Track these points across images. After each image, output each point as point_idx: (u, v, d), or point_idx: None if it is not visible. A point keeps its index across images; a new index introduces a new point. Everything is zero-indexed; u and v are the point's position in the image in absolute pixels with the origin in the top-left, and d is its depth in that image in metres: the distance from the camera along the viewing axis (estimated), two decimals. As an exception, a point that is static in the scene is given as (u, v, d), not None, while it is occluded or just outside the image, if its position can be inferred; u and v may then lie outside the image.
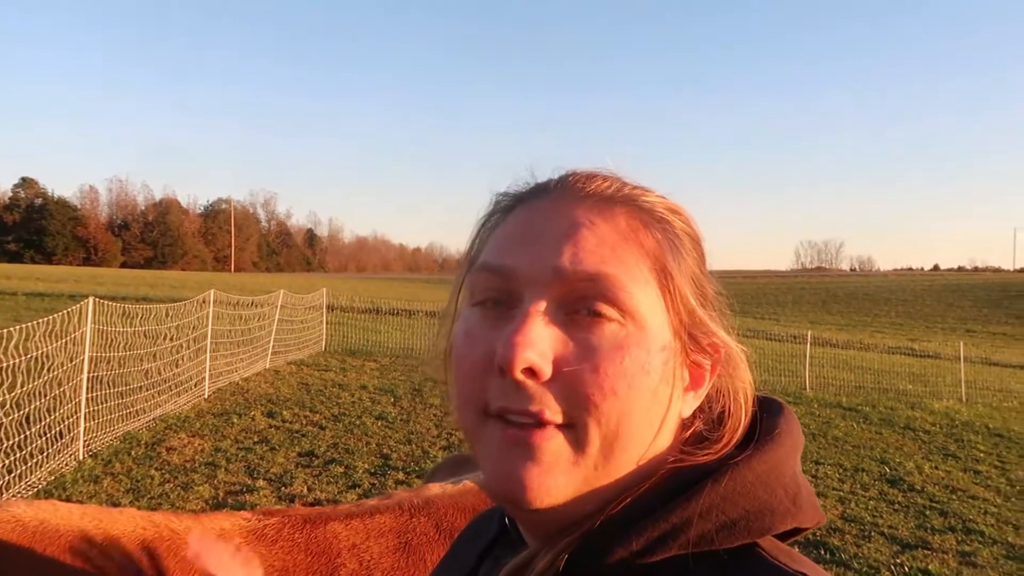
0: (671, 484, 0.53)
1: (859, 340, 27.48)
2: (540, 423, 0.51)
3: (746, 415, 0.59)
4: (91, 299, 6.04)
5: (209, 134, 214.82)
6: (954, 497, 6.58)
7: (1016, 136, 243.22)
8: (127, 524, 1.14)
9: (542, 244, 0.54)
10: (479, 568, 0.68)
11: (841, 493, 6.46)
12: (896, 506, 6.19)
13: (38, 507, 1.06)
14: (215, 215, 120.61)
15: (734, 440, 0.58)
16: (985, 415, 11.50)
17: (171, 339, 8.10)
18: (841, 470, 7.29)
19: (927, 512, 6.05)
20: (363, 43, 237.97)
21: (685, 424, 0.59)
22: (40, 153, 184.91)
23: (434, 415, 8.40)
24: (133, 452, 6.12)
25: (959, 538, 5.46)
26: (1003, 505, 6.44)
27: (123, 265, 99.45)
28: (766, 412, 0.60)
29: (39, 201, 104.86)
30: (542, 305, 0.53)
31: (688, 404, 0.58)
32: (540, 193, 0.59)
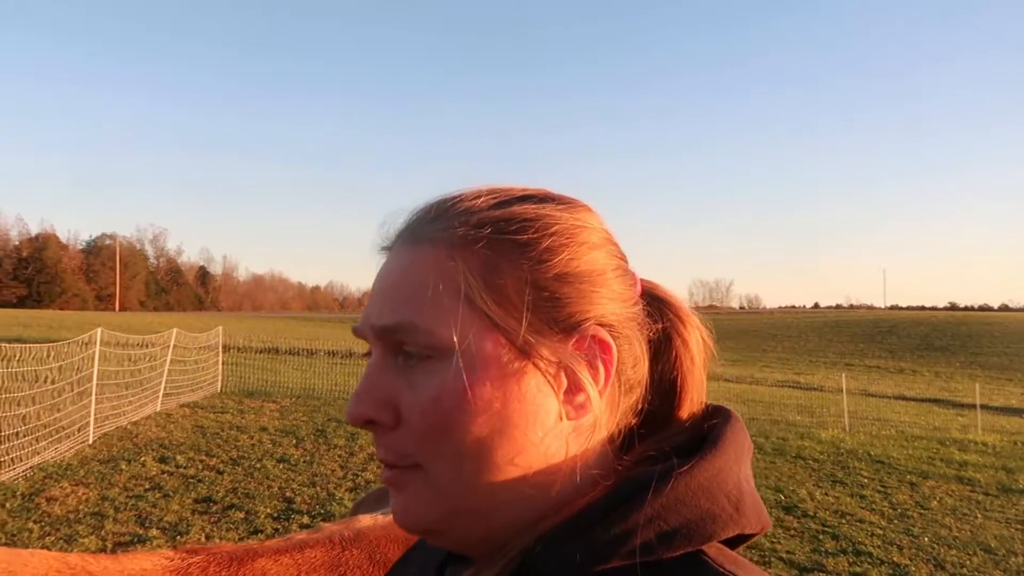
0: (614, 496, 0.52)
1: (750, 374, 28.74)
2: (397, 466, 0.56)
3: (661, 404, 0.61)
4: (-37, 338, 5.58)
5: (93, 167, 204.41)
6: (844, 521, 6.92)
7: (883, 184, 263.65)
8: (39, 566, 1.05)
9: (369, 304, 0.58)
10: None
11: (741, 521, 6.67)
12: (792, 532, 6.45)
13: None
14: (98, 251, 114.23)
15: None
16: (867, 443, 12.19)
17: (52, 381, 7.56)
18: (740, 499, 7.54)
19: (820, 536, 6.34)
20: (252, 79, 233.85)
21: (619, 426, 0.59)
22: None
23: (339, 456, 8.16)
24: (8, 504, 5.64)
25: (850, 560, 5.74)
26: (887, 527, 6.82)
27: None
28: (715, 419, 0.60)
29: None
30: (379, 358, 0.57)
31: (580, 404, 0.55)
32: (391, 245, 0.60)
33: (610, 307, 0.57)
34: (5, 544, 4.80)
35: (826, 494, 8.07)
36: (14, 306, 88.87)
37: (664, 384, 0.62)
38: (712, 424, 0.59)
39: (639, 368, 0.59)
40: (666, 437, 0.59)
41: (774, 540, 6.10)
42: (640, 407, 0.60)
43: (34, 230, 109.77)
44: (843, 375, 18.49)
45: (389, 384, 0.55)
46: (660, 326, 0.62)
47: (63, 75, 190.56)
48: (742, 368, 33.09)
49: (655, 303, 0.63)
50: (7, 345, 7.03)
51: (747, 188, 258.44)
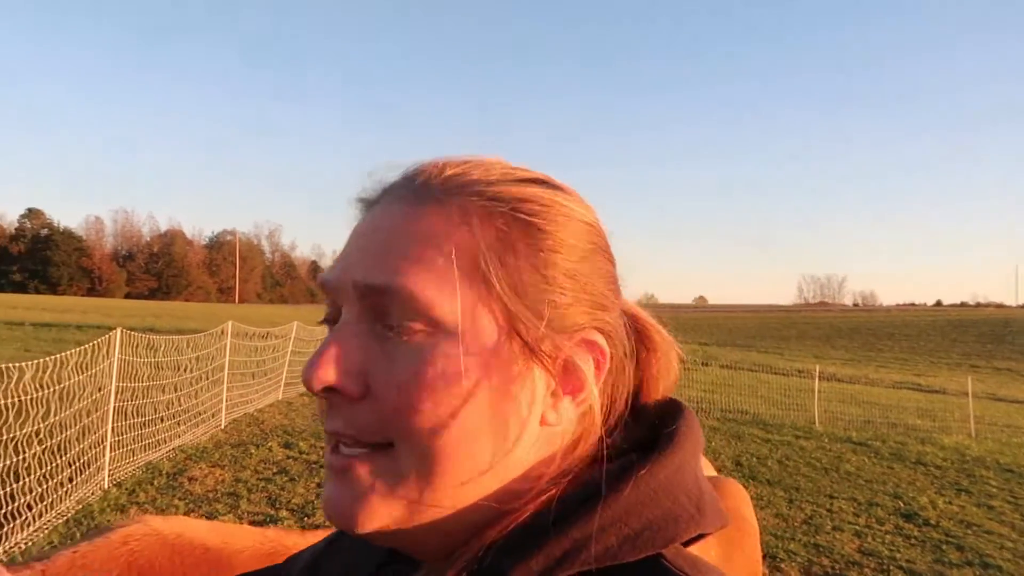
0: (571, 499, 0.49)
1: (864, 375, 27.49)
2: (355, 444, 0.50)
3: (622, 416, 0.56)
4: (119, 330, 6.15)
5: (216, 167, 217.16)
6: (969, 532, 6.60)
7: (1015, 176, 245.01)
8: (247, 539, 1.23)
9: (350, 256, 0.52)
10: None
11: (857, 527, 6.49)
12: (912, 540, 6.21)
13: (173, 521, 1.16)
14: (220, 246, 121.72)
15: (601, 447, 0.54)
16: (995, 450, 11.50)
17: (190, 370, 8.20)
18: (856, 504, 7.32)
19: (943, 547, 6.07)
20: (365, 73, 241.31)
21: (583, 433, 0.54)
22: (46, 184, 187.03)
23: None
24: (156, 482, 6.19)
25: (977, 573, 5.48)
26: (1019, 540, 6.45)
27: (127, 295, 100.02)
28: (666, 414, 0.57)
29: (45, 232, 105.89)
30: (352, 320, 0.50)
31: (564, 410, 0.52)
32: (379, 197, 0.55)
33: (606, 314, 0.54)
34: (156, 518, 5.29)
35: (949, 503, 7.70)
36: (146, 297, 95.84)
37: (632, 396, 0.58)
38: (664, 418, 0.56)
39: (618, 379, 0.56)
40: (620, 434, 0.55)
41: (893, 548, 5.91)
42: (606, 417, 0.55)
43: (163, 227, 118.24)
44: (968, 377, 17.42)
45: (362, 351, 0.49)
46: (631, 342, 0.57)
47: (188, 76, 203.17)
48: (855, 368, 31.71)
49: (625, 317, 0.59)
50: (154, 337, 7.67)
51: (861, 178, 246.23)
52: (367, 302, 0.50)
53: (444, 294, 0.48)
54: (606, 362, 0.53)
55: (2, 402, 4.43)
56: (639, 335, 0.58)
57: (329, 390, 0.49)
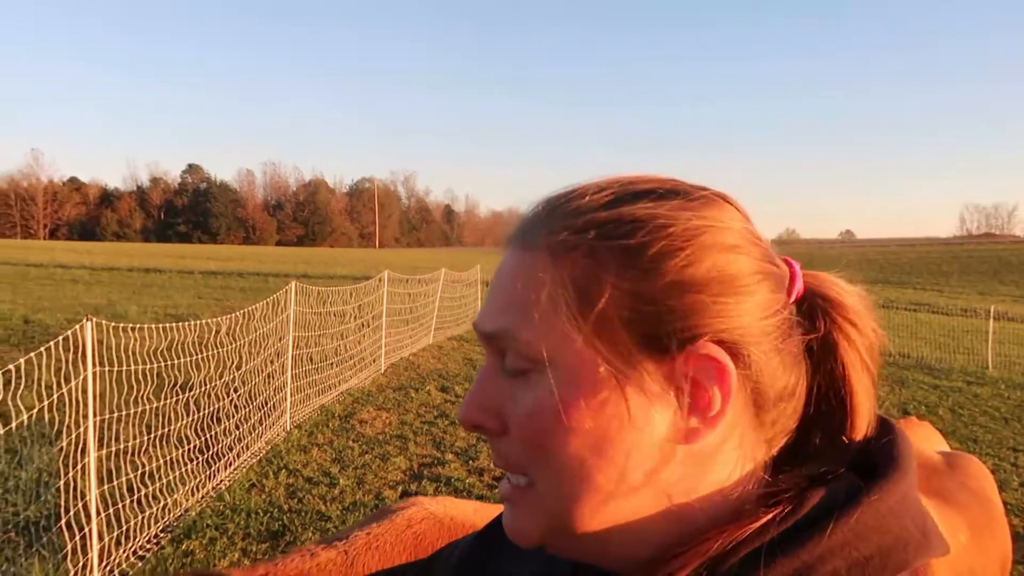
0: (800, 519, 0.49)
1: (1041, 313, 25.04)
2: (509, 474, 0.56)
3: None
4: (294, 283, 6.56)
5: (353, 117, 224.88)
6: None
7: None
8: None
9: (484, 305, 0.57)
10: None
11: (1049, 485, 6.01)
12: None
13: (443, 502, 1.22)
14: (359, 194, 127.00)
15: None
16: None
17: (354, 318, 8.66)
18: (1045, 459, 6.77)
19: None
20: (492, 24, 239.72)
21: (772, 445, 0.54)
22: (203, 140, 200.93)
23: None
24: (330, 424, 6.63)
25: None
26: None
27: (278, 243, 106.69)
28: (882, 433, 0.55)
29: (204, 185, 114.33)
30: (489, 362, 0.56)
31: (692, 430, 0.51)
32: (507, 241, 0.58)
33: (735, 320, 0.50)
34: (336, 459, 5.67)
35: None
36: (295, 244, 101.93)
37: (828, 397, 0.55)
38: (883, 439, 0.54)
39: (779, 383, 0.52)
40: (835, 455, 0.54)
41: (1094, 509, 5.43)
42: (793, 424, 0.54)
43: (307, 177, 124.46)
44: None
45: (496, 390, 0.55)
46: (821, 332, 0.55)
47: (320, 37, 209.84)
48: (1029, 306, 28.94)
49: (818, 303, 0.55)
50: (323, 288, 8.14)
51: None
52: (491, 346, 0.56)
53: (536, 335, 0.51)
54: (729, 377, 0.50)
55: (205, 354, 4.86)
56: (837, 325, 0.55)
57: (477, 427, 0.56)
